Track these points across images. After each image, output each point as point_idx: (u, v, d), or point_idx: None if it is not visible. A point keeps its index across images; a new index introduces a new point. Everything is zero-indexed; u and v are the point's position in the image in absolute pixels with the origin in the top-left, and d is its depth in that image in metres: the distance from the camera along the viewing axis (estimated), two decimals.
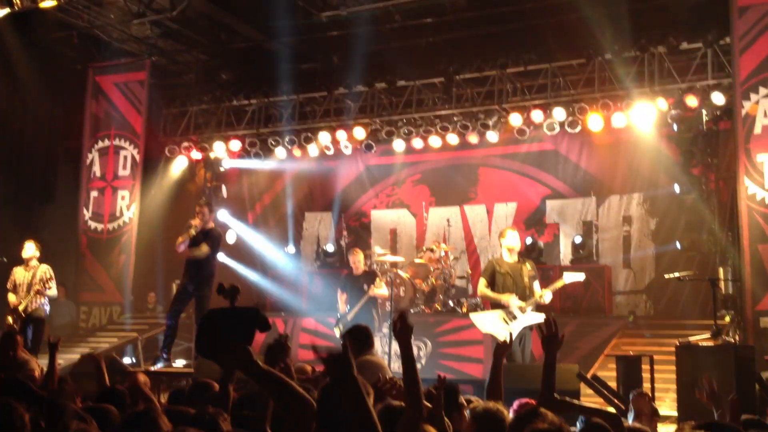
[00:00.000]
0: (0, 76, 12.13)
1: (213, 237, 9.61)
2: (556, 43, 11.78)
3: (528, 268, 8.41)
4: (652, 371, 7.43)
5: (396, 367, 8.40)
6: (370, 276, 9.96)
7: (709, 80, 10.72)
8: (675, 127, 11.04)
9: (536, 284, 8.36)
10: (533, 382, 6.44)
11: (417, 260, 11.93)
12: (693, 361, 6.88)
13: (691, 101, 10.76)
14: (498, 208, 13.11)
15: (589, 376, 7.16)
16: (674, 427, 6.11)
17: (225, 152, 13.71)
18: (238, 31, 12.89)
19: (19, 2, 9.87)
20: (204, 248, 9.44)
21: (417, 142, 12.80)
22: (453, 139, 12.55)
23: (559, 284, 8.30)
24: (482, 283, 8.47)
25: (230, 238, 13.52)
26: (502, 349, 4.90)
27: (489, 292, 8.40)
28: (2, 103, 12.13)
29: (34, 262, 9.70)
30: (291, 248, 13.74)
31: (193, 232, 9.44)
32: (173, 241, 9.83)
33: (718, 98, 10.61)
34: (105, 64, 13.46)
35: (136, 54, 13.38)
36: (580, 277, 8.69)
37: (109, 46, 13.18)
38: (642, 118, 11.15)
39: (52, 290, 9.63)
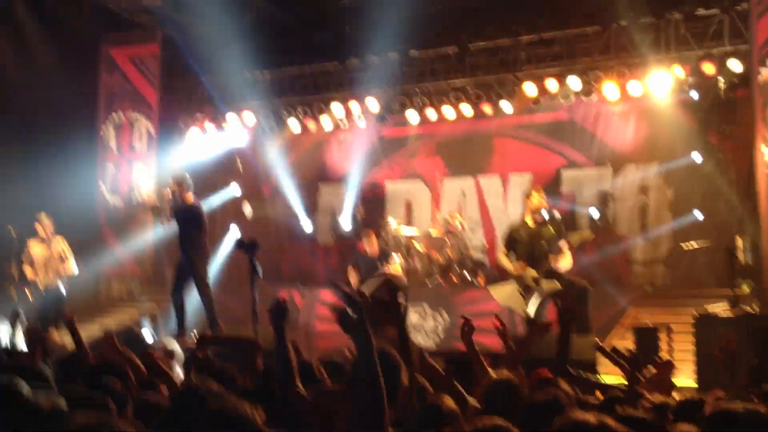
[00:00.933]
0: (13, 51, 12.11)
1: (191, 213, 9.42)
2: (571, 10, 11.63)
3: (550, 230, 8.35)
4: (669, 341, 7.43)
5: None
6: (385, 255, 9.96)
7: (726, 47, 10.58)
8: (693, 94, 10.91)
9: (562, 243, 8.29)
10: (551, 353, 6.50)
11: (431, 231, 11.93)
12: (711, 332, 6.88)
13: (708, 68, 10.63)
14: (513, 179, 13.06)
15: (605, 346, 7.17)
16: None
17: (239, 124, 13.68)
18: (249, 2, 12.81)
19: None
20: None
21: (431, 113, 12.73)
22: (467, 109, 12.46)
23: (567, 252, 8.24)
24: (501, 250, 8.47)
25: (245, 212, 13.56)
26: (542, 332, 4.89)
27: (505, 262, 8.40)
28: (16, 78, 12.12)
29: (48, 236, 9.74)
30: (306, 221, 13.74)
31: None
32: None
33: (735, 65, 10.47)
34: (118, 36, 13.43)
35: (148, 26, 13.33)
36: (587, 235, 8.66)
37: (120, 19, 13.13)
38: (658, 86, 11.03)
39: (69, 264, 9.68)
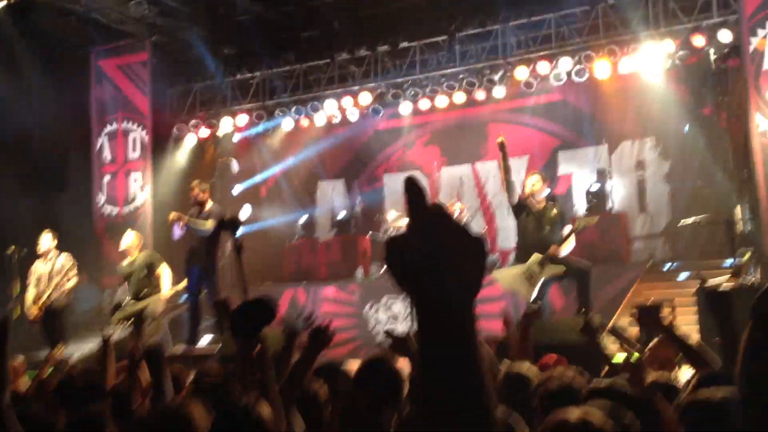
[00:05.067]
0: (2, 67, 12.11)
1: (215, 214, 9.54)
2: None
3: (554, 212, 8.32)
4: (673, 317, 7.42)
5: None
6: None
7: (714, 18, 10.55)
8: (684, 67, 10.88)
9: (566, 228, 8.28)
10: (557, 337, 6.53)
11: None
12: (714, 305, 6.86)
13: (698, 41, 10.60)
14: (510, 163, 13.00)
15: (611, 324, 7.19)
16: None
17: (233, 127, 13.70)
18: (236, 4, 12.80)
19: None
20: (208, 224, 9.38)
21: (424, 103, 12.73)
22: (460, 97, 12.44)
23: (570, 237, 8.24)
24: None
25: (244, 213, 13.56)
26: (531, 318, 4.92)
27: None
28: (7, 94, 12.12)
29: (52, 253, 9.79)
30: (304, 218, 13.74)
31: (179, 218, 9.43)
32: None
33: (725, 36, 10.44)
34: (106, 47, 13.42)
35: (136, 35, 13.32)
36: (593, 221, 8.67)
37: (109, 29, 13.12)
38: (649, 61, 11.02)
39: (72, 280, 9.75)
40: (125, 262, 9.77)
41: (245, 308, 3.29)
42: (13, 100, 12.12)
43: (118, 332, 8.76)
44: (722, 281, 7.63)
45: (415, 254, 1.20)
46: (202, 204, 9.69)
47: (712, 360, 3.90)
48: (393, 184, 13.86)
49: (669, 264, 10.90)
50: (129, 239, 9.84)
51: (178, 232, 9.55)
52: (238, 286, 6.79)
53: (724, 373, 3.33)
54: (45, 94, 12.49)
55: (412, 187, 1.24)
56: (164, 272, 9.60)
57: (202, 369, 4.44)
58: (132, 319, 9.26)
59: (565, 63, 11.40)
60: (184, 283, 9.60)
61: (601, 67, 11.24)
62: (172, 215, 9.56)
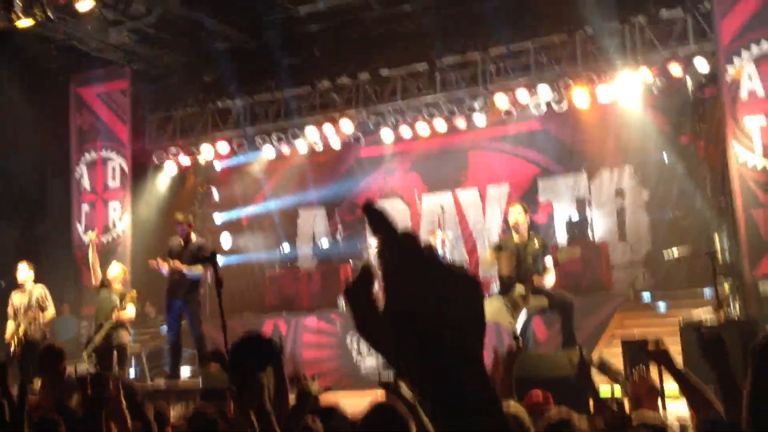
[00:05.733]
0: None
1: (204, 253, 9.45)
2: (537, 20, 11.72)
3: (535, 244, 8.32)
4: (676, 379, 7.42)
5: None
6: None
7: (691, 47, 10.69)
8: (662, 95, 11.00)
9: (548, 259, 8.30)
10: (541, 372, 6.50)
11: None
12: (710, 350, 6.86)
13: (675, 69, 10.74)
14: (490, 191, 13.11)
15: (594, 356, 7.18)
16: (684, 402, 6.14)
17: (213, 155, 13.65)
18: (216, 32, 12.79)
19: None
20: (199, 268, 9.34)
21: (405, 131, 12.77)
22: (440, 124, 12.50)
23: (551, 269, 8.26)
24: (489, 253, 8.46)
25: (225, 243, 13.51)
26: (513, 357, 4.88)
27: (484, 255, 8.34)
28: None
29: (29, 284, 9.68)
30: (286, 246, 13.69)
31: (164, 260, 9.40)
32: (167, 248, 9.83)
33: (701, 65, 10.58)
34: (86, 75, 13.36)
35: (116, 62, 13.27)
36: (576, 252, 8.69)
37: (89, 57, 13.06)
38: (627, 90, 11.13)
39: (48, 311, 9.65)
40: (104, 292, 9.66)
41: (245, 345, 3.13)
42: None
43: (89, 366, 8.70)
44: (704, 313, 7.67)
45: (400, 311, 1.03)
46: (187, 236, 9.64)
47: (712, 401, 3.88)
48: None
49: (649, 293, 10.93)
50: (116, 271, 9.75)
51: (165, 270, 9.49)
52: (216, 318, 6.76)
53: (726, 420, 3.30)
54: (26, 121, 12.39)
55: (372, 215, 1.06)
56: (129, 306, 9.52)
57: (197, 412, 4.37)
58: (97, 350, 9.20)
59: (544, 91, 11.50)
60: (132, 293, 9.53)
61: (579, 96, 11.35)
62: (158, 263, 9.47)
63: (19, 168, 12.40)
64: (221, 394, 5.52)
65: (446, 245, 11.97)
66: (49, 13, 10.06)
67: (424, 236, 12.22)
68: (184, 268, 9.28)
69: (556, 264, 8.35)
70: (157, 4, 11.59)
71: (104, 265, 12.64)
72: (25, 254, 10.25)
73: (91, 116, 13.38)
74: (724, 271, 9.66)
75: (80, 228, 13.20)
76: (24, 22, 9.92)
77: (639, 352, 7.27)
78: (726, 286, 9.37)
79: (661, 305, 10.28)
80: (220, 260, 13.17)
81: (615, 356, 7.45)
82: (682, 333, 7.31)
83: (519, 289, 8.07)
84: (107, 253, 12.68)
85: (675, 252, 9.73)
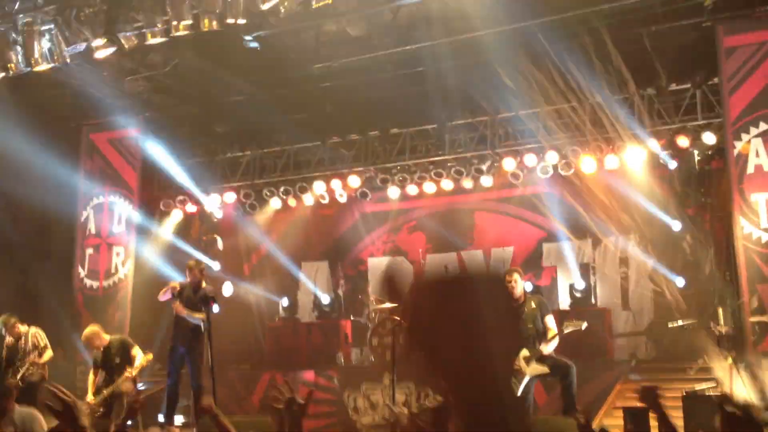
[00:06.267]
0: None
1: (209, 304, 9.43)
2: (547, 87, 11.85)
3: (533, 306, 8.28)
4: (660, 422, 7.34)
5: None
6: None
7: (699, 120, 10.81)
8: (669, 167, 11.06)
9: (548, 319, 8.26)
10: None
11: None
12: (700, 412, 6.82)
13: (682, 142, 10.84)
14: (495, 253, 13.10)
15: (596, 425, 7.09)
16: None
17: (220, 204, 13.71)
18: (230, 84, 12.97)
19: (14, 66, 9.94)
20: (202, 315, 9.30)
21: (412, 189, 12.85)
22: (447, 184, 12.58)
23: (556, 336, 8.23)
24: None
25: (226, 291, 13.47)
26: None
27: None
28: None
29: (21, 328, 9.70)
30: (285, 301, 13.64)
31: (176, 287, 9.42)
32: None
33: (709, 138, 10.69)
34: (99, 121, 13.51)
35: (129, 110, 13.43)
36: (582, 325, 8.62)
37: (102, 103, 13.22)
38: (634, 159, 11.22)
39: (46, 356, 9.63)
40: (98, 353, 9.61)
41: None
42: (3, 168, 12.11)
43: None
44: (708, 387, 7.60)
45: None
46: (198, 284, 9.66)
47: None
48: (377, 269, 13.83)
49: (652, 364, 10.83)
50: (87, 333, 9.72)
51: (166, 297, 9.52)
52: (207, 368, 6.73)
53: None
54: (35, 164, 12.48)
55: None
56: (138, 354, 9.47)
57: None
58: (106, 403, 9.13)
59: (552, 157, 11.59)
60: (149, 357, 9.48)
61: (586, 163, 11.43)
62: (169, 288, 9.52)
63: (22, 212, 12.43)
64: None
65: None
66: (68, 59, 10.21)
67: None
68: (185, 312, 9.26)
69: (559, 332, 8.32)
70: (174, 56, 11.78)
71: (105, 310, 12.66)
72: (25, 296, 10.24)
73: (102, 161, 13.50)
74: (727, 345, 9.59)
75: (82, 272, 13.19)
76: (41, 67, 10.06)
77: (641, 421, 7.22)
78: (729, 360, 9.28)
79: (664, 376, 10.15)
80: (216, 308, 13.17)
81: (616, 428, 7.38)
82: (685, 405, 7.22)
83: (523, 352, 8.02)
84: (108, 298, 12.68)
85: (679, 322, 9.67)
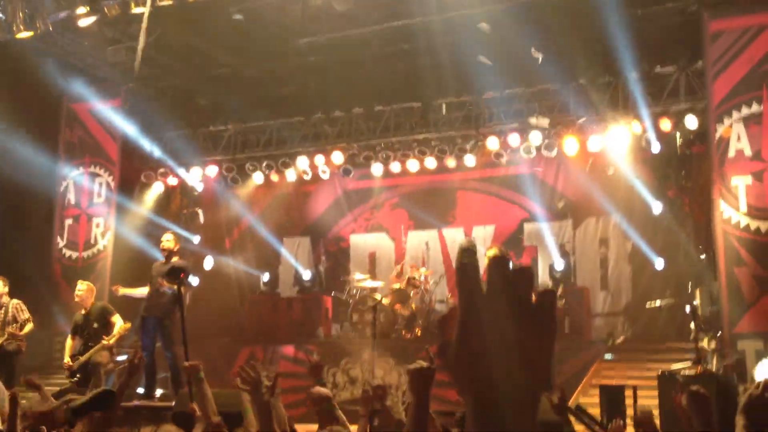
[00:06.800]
0: None
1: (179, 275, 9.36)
2: (532, 69, 11.85)
3: None
4: (635, 401, 7.45)
5: None
6: None
7: (681, 104, 10.86)
8: (653, 148, 11.11)
9: None
10: None
11: (395, 286, 11.90)
12: (675, 390, 6.90)
13: (665, 125, 10.89)
14: (476, 231, 13.15)
15: (571, 403, 7.16)
16: None
17: (202, 178, 13.63)
18: (214, 57, 12.86)
19: None
20: (173, 286, 9.23)
21: (395, 166, 12.83)
22: (431, 162, 12.57)
23: None
24: None
25: (207, 265, 13.43)
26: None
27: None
28: None
29: (4, 299, 9.59)
30: (266, 275, 13.62)
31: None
32: (148, 269, 9.81)
33: (691, 122, 10.74)
34: (80, 91, 13.34)
35: (111, 80, 13.27)
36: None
37: (84, 73, 13.06)
38: (617, 142, 11.26)
39: (27, 328, 9.57)
40: (79, 314, 9.56)
41: None
42: None
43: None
44: (683, 367, 7.69)
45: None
46: (169, 255, 9.57)
47: None
48: (359, 245, 13.84)
49: (629, 343, 10.97)
50: (80, 290, 9.64)
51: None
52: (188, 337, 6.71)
53: None
54: (13, 134, 12.33)
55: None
56: (117, 322, 9.43)
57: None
58: (79, 372, 9.09)
59: (535, 137, 11.61)
60: (127, 326, 9.44)
61: (569, 144, 11.47)
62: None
63: (3, 179, 12.28)
64: (192, 417, 5.47)
65: (429, 282, 11.98)
66: (50, 26, 10.07)
67: (404, 269, 12.24)
68: (166, 285, 9.19)
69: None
70: (157, 26, 11.63)
71: (86, 280, 12.56)
72: (3, 268, 10.13)
73: (83, 131, 13.36)
74: (704, 326, 9.71)
75: (61, 242, 13.09)
76: (24, 34, 9.92)
77: (616, 398, 7.32)
78: (705, 340, 9.40)
79: (641, 356, 10.28)
80: (196, 280, 13.10)
81: (592, 407, 7.45)
82: (660, 384, 7.32)
83: None
84: (87, 269, 12.60)
85: (658, 302, 9.77)
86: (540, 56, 11.07)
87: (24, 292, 10.16)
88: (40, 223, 13.33)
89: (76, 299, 9.59)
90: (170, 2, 9.33)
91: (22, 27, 10.19)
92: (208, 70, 13.09)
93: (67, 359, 9.29)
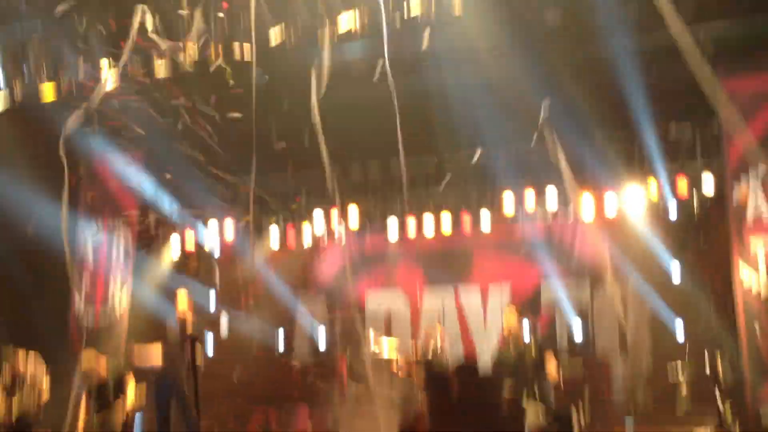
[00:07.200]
0: None
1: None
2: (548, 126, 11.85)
3: (531, 351, 8.31)
4: None
5: None
6: None
7: (698, 164, 10.82)
8: (667, 211, 11.06)
9: (550, 365, 8.29)
10: None
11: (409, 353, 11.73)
12: None
13: (682, 186, 10.85)
14: (492, 290, 13.06)
15: None
16: None
17: (219, 234, 13.67)
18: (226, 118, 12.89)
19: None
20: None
21: (410, 223, 12.82)
22: (446, 218, 12.57)
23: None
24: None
25: (222, 322, 13.44)
26: None
27: None
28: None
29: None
30: (281, 334, 13.58)
31: None
32: (163, 328, 9.86)
33: (708, 183, 10.69)
34: (99, 147, 13.44)
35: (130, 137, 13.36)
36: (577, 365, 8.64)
37: (103, 128, 13.17)
38: (633, 202, 11.23)
39: (44, 392, 9.62)
40: (93, 379, 9.57)
41: None
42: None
43: None
44: None
45: None
46: (184, 316, 9.65)
47: None
48: (375, 303, 13.78)
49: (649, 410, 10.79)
50: (90, 358, 9.69)
51: None
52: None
53: None
54: (35, 192, 12.42)
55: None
56: (130, 386, 9.44)
57: None
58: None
59: (552, 194, 11.61)
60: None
61: (586, 203, 11.44)
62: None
63: (22, 240, 12.37)
64: None
65: (444, 346, 11.85)
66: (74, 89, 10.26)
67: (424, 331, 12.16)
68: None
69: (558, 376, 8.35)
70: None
71: (102, 338, 12.61)
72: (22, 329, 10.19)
73: (102, 189, 13.44)
74: (725, 395, 9.55)
75: (79, 298, 13.12)
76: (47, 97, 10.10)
77: None
78: (727, 409, 9.25)
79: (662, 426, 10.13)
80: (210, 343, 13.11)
81: None
82: None
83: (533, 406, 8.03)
84: (104, 328, 12.61)
85: (679, 370, 9.64)
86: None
87: (42, 352, 10.18)
88: (59, 283, 13.36)
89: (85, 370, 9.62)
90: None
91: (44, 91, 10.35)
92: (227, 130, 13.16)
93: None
